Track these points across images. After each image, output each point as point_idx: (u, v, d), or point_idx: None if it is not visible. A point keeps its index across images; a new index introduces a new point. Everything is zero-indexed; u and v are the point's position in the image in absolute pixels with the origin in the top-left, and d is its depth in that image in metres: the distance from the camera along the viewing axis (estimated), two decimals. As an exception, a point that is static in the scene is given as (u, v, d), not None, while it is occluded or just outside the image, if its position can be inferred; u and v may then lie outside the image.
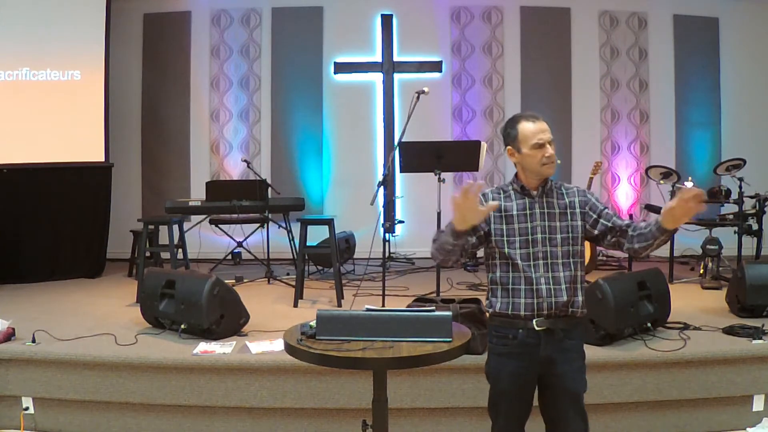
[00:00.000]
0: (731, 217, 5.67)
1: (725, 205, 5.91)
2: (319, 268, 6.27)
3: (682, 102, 7.44)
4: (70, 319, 4.34)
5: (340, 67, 7.42)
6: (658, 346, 3.52)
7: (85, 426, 3.51)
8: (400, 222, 7.24)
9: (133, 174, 7.38)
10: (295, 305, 4.77)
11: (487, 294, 2.44)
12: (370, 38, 7.44)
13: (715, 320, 4.05)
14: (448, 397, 3.38)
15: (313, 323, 2.34)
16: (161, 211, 6.29)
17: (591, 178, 5.80)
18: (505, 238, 2.32)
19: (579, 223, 2.37)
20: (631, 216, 7.16)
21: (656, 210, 6.39)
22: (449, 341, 2.27)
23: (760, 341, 3.56)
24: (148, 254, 5.58)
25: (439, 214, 4.56)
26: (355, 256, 6.51)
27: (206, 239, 6.79)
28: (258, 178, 5.99)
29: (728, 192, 5.66)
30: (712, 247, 5.34)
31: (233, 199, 5.83)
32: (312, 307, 4.66)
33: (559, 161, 2.46)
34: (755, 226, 5.66)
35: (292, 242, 6.07)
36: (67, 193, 6.20)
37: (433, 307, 2.74)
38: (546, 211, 2.35)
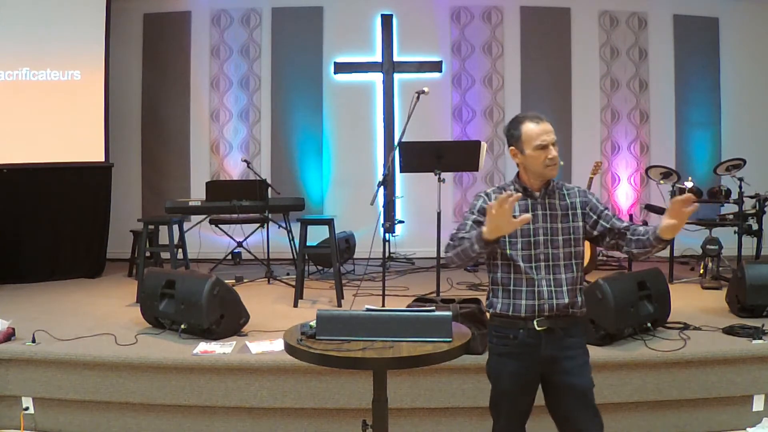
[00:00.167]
0: (731, 217, 5.67)
1: (725, 205, 5.91)
2: (319, 268, 6.27)
3: (682, 102, 7.44)
4: (70, 319, 4.34)
5: (340, 67, 7.42)
6: (658, 346, 3.52)
7: (85, 426, 3.51)
8: (400, 222, 7.25)
9: (133, 174, 7.38)
10: (295, 305, 4.77)
11: (488, 294, 2.44)
12: (370, 38, 7.44)
13: (715, 320, 4.05)
14: (448, 397, 3.38)
15: (313, 323, 2.34)
16: (161, 211, 6.29)
17: (591, 178, 5.80)
18: (507, 239, 2.30)
19: (580, 224, 2.37)
20: (631, 216, 7.16)
21: (656, 210, 6.40)
22: (449, 341, 2.26)
23: (760, 341, 3.56)
24: (148, 254, 5.58)
25: (439, 214, 4.56)
26: (355, 256, 6.51)
27: (206, 239, 6.80)
28: (258, 178, 5.99)
29: (728, 192, 5.66)
30: (712, 247, 5.34)
31: (233, 199, 5.83)
32: (312, 307, 4.67)
33: (561, 162, 2.46)
34: (755, 226, 5.66)
35: (292, 242, 6.07)
36: (67, 193, 6.20)
37: (433, 307, 2.74)
38: (548, 212, 2.35)
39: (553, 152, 2.31)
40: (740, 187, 5.46)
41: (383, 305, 4.47)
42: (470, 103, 7.43)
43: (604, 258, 6.75)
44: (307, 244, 5.10)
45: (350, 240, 6.51)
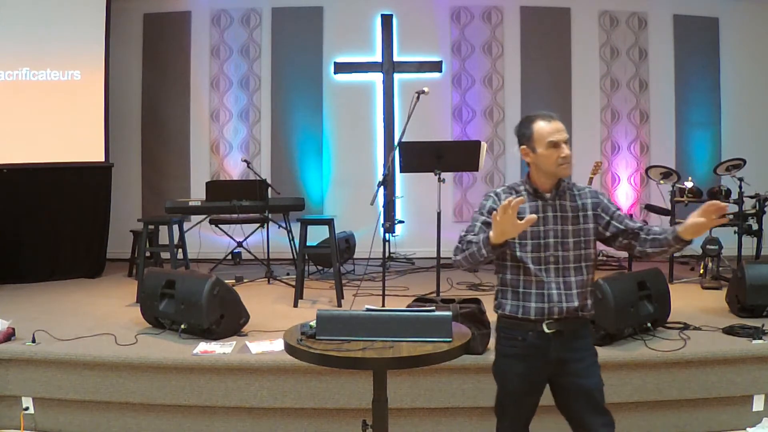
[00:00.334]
0: (731, 217, 5.67)
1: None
2: (319, 268, 6.27)
3: (682, 102, 7.44)
4: (70, 319, 4.34)
5: (340, 67, 7.42)
6: (658, 346, 3.52)
7: (85, 426, 3.51)
8: (400, 222, 7.25)
9: (133, 174, 7.38)
10: (295, 305, 4.77)
11: (496, 295, 2.41)
12: (370, 38, 7.44)
13: (715, 320, 4.05)
14: (448, 397, 3.38)
15: (313, 323, 2.34)
16: (161, 211, 6.29)
17: (591, 178, 5.80)
18: (516, 241, 2.26)
19: (591, 226, 2.34)
20: (630, 216, 7.16)
21: (656, 210, 6.40)
22: (449, 341, 2.26)
23: (760, 341, 3.56)
24: (148, 254, 5.58)
25: (439, 214, 4.56)
26: (355, 256, 6.51)
27: (206, 239, 6.79)
28: (258, 178, 5.99)
29: (728, 192, 5.66)
30: (712, 247, 5.34)
31: (233, 199, 5.82)
32: (312, 307, 4.67)
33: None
34: (755, 226, 5.66)
35: (292, 242, 6.07)
36: (67, 193, 6.20)
37: (433, 307, 2.74)
38: (559, 214, 2.31)
39: (566, 150, 2.27)
40: (740, 187, 5.46)
41: (383, 305, 4.47)
42: (470, 103, 7.43)
43: (604, 258, 6.75)
44: (307, 244, 5.10)
45: (350, 240, 6.51)
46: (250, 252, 6.59)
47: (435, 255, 4.60)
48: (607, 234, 2.35)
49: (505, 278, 2.35)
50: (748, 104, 7.41)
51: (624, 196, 7.43)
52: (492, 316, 3.56)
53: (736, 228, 5.50)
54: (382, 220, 5.35)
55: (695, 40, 7.40)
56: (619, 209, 2.37)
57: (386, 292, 4.57)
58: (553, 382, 2.37)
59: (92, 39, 6.21)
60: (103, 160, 6.34)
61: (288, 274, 5.97)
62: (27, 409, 3.51)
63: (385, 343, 2.24)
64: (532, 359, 2.31)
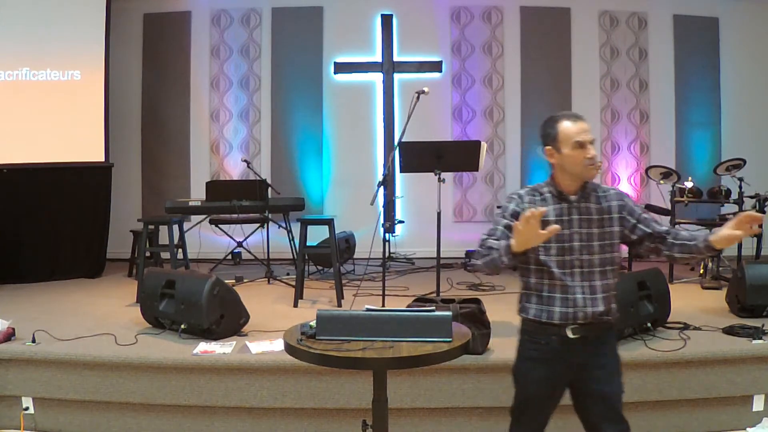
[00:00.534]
0: (731, 217, 5.65)
1: (725, 205, 5.91)
2: (319, 268, 6.27)
3: (682, 102, 7.44)
4: (70, 319, 4.34)
5: (340, 67, 7.42)
6: (658, 346, 3.52)
7: (85, 426, 3.51)
8: (400, 222, 7.25)
9: (133, 174, 7.38)
10: (295, 305, 4.77)
11: (520, 298, 2.37)
12: (370, 38, 7.44)
13: (715, 320, 4.05)
14: (448, 397, 3.38)
15: (313, 323, 2.34)
16: (161, 211, 6.29)
17: (591, 178, 5.79)
18: (540, 245, 2.21)
19: (616, 229, 2.29)
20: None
21: (656, 210, 6.39)
22: (449, 341, 2.26)
23: (760, 341, 3.56)
24: (148, 254, 5.58)
25: (439, 214, 4.56)
26: (355, 256, 6.51)
27: (206, 239, 6.79)
28: (258, 178, 5.99)
29: (728, 192, 5.66)
30: (712, 247, 5.33)
31: (233, 199, 5.82)
32: (312, 307, 4.67)
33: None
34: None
35: (292, 242, 6.07)
36: (67, 193, 6.19)
37: (433, 307, 2.74)
38: (584, 217, 2.27)
39: (593, 151, 2.23)
40: (740, 187, 5.46)
41: (383, 305, 4.47)
42: (470, 103, 7.43)
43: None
44: (307, 244, 5.10)
45: (350, 240, 6.51)
46: (250, 252, 6.59)
47: (435, 255, 4.60)
48: (633, 237, 2.31)
49: (529, 282, 2.30)
50: (748, 104, 7.40)
51: (624, 196, 7.42)
52: (494, 317, 3.58)
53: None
54: (382, 220, 5.35)
55: (695, 40, 7.40)
56: (645, 212, 2.34)
57: (386, 292, 4.56)
58: (573, 386, 2.34)
59: (92, 39, 6.21)
60: (103, 160, 6.34)
61: (288, 274, 5.97)
62: (27, 409, 3.51)
63: (385, 343, 2.24)
64: (555, 363, 2.28)
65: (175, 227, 5.49)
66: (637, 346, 3.54)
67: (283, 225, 6.10)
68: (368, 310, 2.38)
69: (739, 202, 5.43)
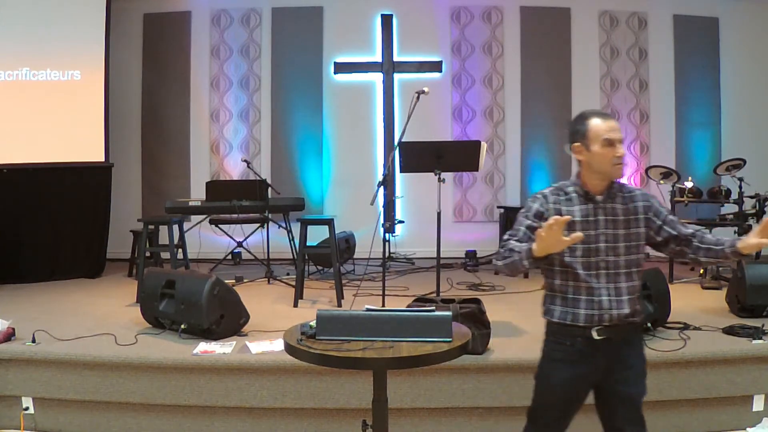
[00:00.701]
0: (731, 217, 5.67)
1: (725, 205, 5.91)
2: (319, 268, 6.27)
3: (682, 102, 7.44)
4: (70, 319, 4.34)
5: (340, 67, 7.42)
6: (658, 346, 3.52)
7: (85, 426, 3.51)
8: (400, 222, 7.25)
9: (133, 174, 7.38)
10: (295, 305, 4.77)
11: (544, 300, 2.34)
12: (370, 38, 7.44)
13: (715, 320, 4.05)
14: (448, 397, 3.38)
15: (313, 323, 2.34)
16: (161, 211, 6.29)
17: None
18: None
19: (642, 230, 2.27)
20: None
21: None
22: (449, 341, 2.26)
23: (760, 341, 3.56)
24: (148, 254, 5.58)
25: (439, 214, 4.55)
26: (355, 256, 6.51)
27: (206, 239, 6.79)
28: (258, 178, 6.00)
29: (728, 192, 5.66)
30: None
31: (233, 199, 5.82)
32: (312, 307, 4.67)
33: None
34: (755, 226, 5.65)
35: (292, 242, 6.07)
36: (67, 193, 6.20)
37: (433, 307, 2.74)
38: (610, 218, 2.24)
39: (621, 150, 2.20)
40: (740, 187, 5.46)
41: (383, 305, 4.46)
42: (470, 103, 7.43)
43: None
44: (307, 244, 5.10)
45: (350, 240, 6.51)
46: (250, 252, 6.59)
47: (435, 255, 4.60)
48: (659, 239, 2.29)
49: (554, 284, 2.28)
50: (748, 104, 7.40)
51: (624, 196, 7.42)
52: (494, 317, 3.58)
53: (736, 228, 5.50)
54: (382, 220, 5.35)
55: (695, 40, 7.40)
56: (671, 213, 2.32)
57: (386, 292, 4.56)
58: (599, 387, 2.31)
59: (92, 39, 6.21)
60: (103, 160, 6.34)
61: (288, 274, 5.97)
62: (27, 409, 3.51)
63: (385, 343, 2.24)
64: (580, 365, 2.25)
65: (175, 227, 5.49)
66: (637, 346, 3.53)
67: (283, 225, 6.10)
68: (368, 310, 2.38)
69: (739, 202, 5.43)
